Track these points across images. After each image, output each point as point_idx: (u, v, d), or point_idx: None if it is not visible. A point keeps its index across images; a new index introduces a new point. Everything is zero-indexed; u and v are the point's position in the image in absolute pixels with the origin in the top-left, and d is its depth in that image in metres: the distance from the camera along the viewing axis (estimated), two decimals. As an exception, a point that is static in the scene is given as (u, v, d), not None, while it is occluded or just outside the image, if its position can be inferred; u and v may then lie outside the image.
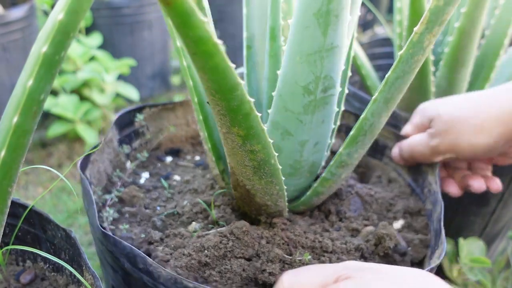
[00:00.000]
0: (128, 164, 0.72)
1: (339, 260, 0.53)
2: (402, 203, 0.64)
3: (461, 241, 0.78)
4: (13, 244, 0.55)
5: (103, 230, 0.50)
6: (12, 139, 0.33)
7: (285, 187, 0.52)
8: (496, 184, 0.69)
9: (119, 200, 0.65)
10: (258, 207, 0.56)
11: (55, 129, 1.55)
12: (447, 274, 0.79)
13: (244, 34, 0.62)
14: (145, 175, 0.71)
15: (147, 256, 0.47)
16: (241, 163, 0.48)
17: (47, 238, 0.54)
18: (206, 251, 0.53)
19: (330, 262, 0.53)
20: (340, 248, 0.55)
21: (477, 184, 0.68)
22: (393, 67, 0.47)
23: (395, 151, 0.70)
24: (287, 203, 0.56)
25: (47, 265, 0.55)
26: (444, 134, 0.63)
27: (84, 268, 0.47)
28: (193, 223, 0.59)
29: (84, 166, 0.61)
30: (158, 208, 0.64)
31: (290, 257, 0.52)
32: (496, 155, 0.68)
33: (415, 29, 0.44)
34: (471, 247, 0.76)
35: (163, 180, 0.69)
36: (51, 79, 0.32)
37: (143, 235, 0.58)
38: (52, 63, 0.31)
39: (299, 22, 0.46)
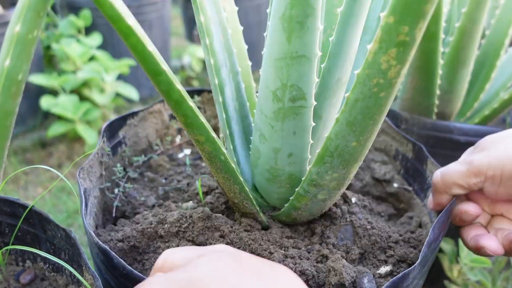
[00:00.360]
0: (178, 139, 0.78)
1: None
2: (403, 251, 0.56)
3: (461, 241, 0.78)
4: (13, 244, 0.55)
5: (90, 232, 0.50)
6: None
7: (258, 192, 0.54)
8: None
9: (147, 165, 0.72)
10: (232, 203, 0.58)
11: (55, 129, 1.55)
12: (447, 274, 0.79)
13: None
14: (186, 151, 0.77)
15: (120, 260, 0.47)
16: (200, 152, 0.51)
17: (47, 238, 0.54)
18: (165, 224, 0.56)
19: None
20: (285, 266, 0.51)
21: None
22: (352, 86, 0.42)
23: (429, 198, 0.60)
24: (258, 208, 0.56)
25: (47, 265, 0.55)
26: (485, 149, 0.53)
27: (84, 268, 0.47)
28: (190, 202, 0.62)
29: (114, 130, 0.68)
30: (175, 181, 0.69)
31: None
32: None
33: (368, 46, 0.39)
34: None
35: (187, 159, 0.74)
36: (27, 58, 0.33)
37: (142, 198, 0.65)
38: (26, 42, 0.32)
39: (271, 24, 0.46)
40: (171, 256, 0.38)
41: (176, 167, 0.73)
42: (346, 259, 0.54)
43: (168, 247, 0.54)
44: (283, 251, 0.54)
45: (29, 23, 0.32)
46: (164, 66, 0.42)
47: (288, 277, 0.36)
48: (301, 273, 0.51)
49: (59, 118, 1.60)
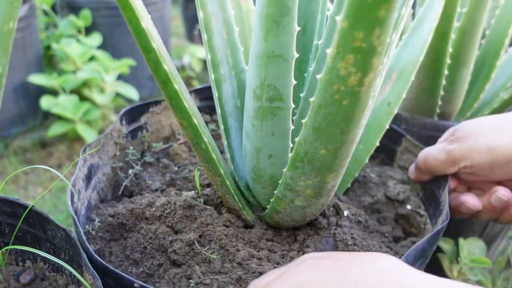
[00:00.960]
0: None
1: (241, 272, 0.51)
2: None
3: (461, 241, 0.78)
4: (13, 244, 0.55)
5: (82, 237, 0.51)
6: None
7: (244, 190, 0.56)
8: None
9: (165, 152, 0.75)
10: (220, 197, 0.59)
11: (55, 129, 1.55)
12: (447, 274, 0.79)
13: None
14: None
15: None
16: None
17: (47, 238, 0.54)
18: (152, 207, 0.58)
19: (232, 271, 0.51)
20: (247, 268, 0.52)
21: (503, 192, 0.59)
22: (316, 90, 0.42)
23: (411, 167, 0.67)
24: (241, 205, 0.56)
25: (47, 265, 0.55)
26: (463, 139, 0.59)
27: (84, 268, 0.47)
28: (192, 191, 0.63)
29: (135, 115, 0.70)
30: (186, 170, 0.70)
31: (200, 248, 0.54)
32: None
33: (327, 50, 0.37)
34: (472, 247, 0.76)
35: None
36: (5, 51, 0.33)
37: (150, 182, 0.68)
38: (3, 34, 0.32)
39: (253, 22, 0.46)
40: (258, 282, 0.41)
41: (192, 157, 0.75)
42: None
43: (149, 229, 0.57)
44: (251, 250, 0.54)
45: (3, 15, 0.31)
46: (155, 44, 0.42)
47: (387, 258, 0.38)
48: (259, 274, 0.51)
49: (59, 118, 1.60)
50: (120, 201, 0.65)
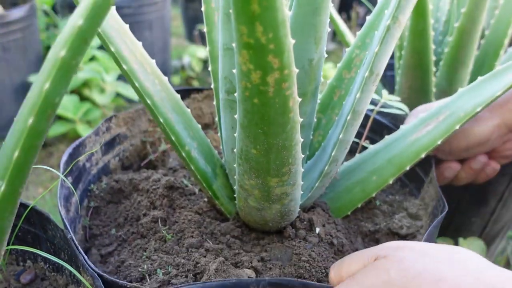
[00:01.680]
0: None
1: (183, 257, 0.53)
2: None
3: (461, 241, 0.78)
4: (13, 244, 0.55)
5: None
6: (26, 140, 0.33)
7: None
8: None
9: None
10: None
11: (55, 129, 1.55)
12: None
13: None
14: None
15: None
16: None
17: (47, 238, 0.54)
18: (146, 182, 0.64)
19: (178, 255, 0.53)
20: (189, 255, 0.53)
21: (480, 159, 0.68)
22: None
23: None
24: (211, 193, 0.58)
25: (47, 265, 0.55)
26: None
27: (81, 269, 0.47)
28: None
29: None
30: None
31: (161, 226, 0.57)
32: (487, 150, 0.68)
33: (233, 44, 0.36)
34: (471, 247, 0.76)
35: None
36: (67, 83, 0.33)
37: (171, 160, 0.73)
38: (69, 68, 0.32)
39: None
40: (345, 265, 0.44)
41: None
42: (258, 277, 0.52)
43: (136, 200, 0.62)
44: (207, 241, 0.55)
45: (75, 50, 0.31)
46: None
47: (471, 255, 0.39)
48: (196, 263, 0.52)
49: (60, 118, 1.60)
50: (138, 171, 0.71)
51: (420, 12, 0.74)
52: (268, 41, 0.33)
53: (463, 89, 0.61)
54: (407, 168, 0.59)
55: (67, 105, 1.54)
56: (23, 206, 0.54)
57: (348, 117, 0.50)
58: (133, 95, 1.69)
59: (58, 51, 0.31)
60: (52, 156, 1.57)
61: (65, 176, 0.57)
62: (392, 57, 1.14)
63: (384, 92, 0.70)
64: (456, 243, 0.79)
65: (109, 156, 0.70)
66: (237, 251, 0.54)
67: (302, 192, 0.52)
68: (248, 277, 0.50)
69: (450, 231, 0.89)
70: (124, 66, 0.50)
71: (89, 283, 0.46)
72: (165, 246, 0.55)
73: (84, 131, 1.53)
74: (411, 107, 0.90)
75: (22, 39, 1.56)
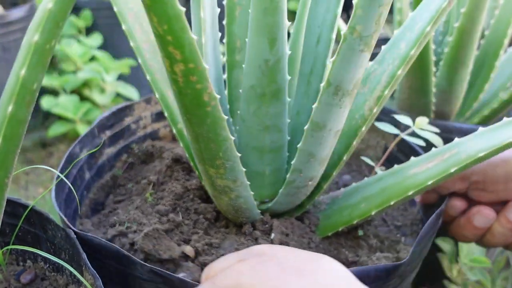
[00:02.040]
0: None
1: (153, 219, 0.57)
2: None
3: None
4: (13, 244, 0.55)
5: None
6: (7, 129, 0.33)
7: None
8: None
9: None
10: None
11: (56, 129, 1.55)
12: (446, 274, 0.79)
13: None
14: None
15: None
16: None
17: (48, 238, 0.54)
18: (169, 152, 0.69)
19: (148, 216, 0.58)
20: (156, 219, 0.57)
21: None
22: None
23: None
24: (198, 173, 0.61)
25: (47, 265, 0.55)
26: None
27: (84, 268, 0.47)
28: None
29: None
30: None
31: (149, 189, 0.63)
32: None
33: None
34: (471, 247, 0.76)
35: None
36: (43, 68, 0.33)
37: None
38: (44, 52, 0.32)
39: None
40: (214, 265, 0.43)
41: None
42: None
43: (153, 165, 0.69)
44: (178, 213, 0.58)
45: (48, 34, 0.31)
46: None
47: (331, 267, 0.38)
48: (157, 229, 0.54)
49: (60, 118, 1.60)
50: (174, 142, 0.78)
51: None
52: (164, 32, 0.36)
53: (484, 128, 0.53)
54: (391, 203, 0.54)
55: (67, 105, 1.54)
56: (23, 206, 0.54)
57: (306, 127, 0.49)
58: (134, 95, 1.69)
59: (31, 36, 0.31)
60: (52, 156, 1.57)
61: (104, 128, 0.72)
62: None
63: (421, 119, 0.64)
64: (456, 243, 0.79)
65: (160, 124, 0.78)
66: (197, 230, 0.56)
67: (267, 194, 0.56)
68: (184, 253, 0.53)
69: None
70: (132, 43, 0.58)
71: (89, 283, 0.46)
72: (144, 206, 0.60)
73: (84, 131, 1.53)
74: (411, 107, 0.90)
75: (22, 39, 1.56)
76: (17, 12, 1.50)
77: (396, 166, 0.58)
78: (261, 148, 0.53)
